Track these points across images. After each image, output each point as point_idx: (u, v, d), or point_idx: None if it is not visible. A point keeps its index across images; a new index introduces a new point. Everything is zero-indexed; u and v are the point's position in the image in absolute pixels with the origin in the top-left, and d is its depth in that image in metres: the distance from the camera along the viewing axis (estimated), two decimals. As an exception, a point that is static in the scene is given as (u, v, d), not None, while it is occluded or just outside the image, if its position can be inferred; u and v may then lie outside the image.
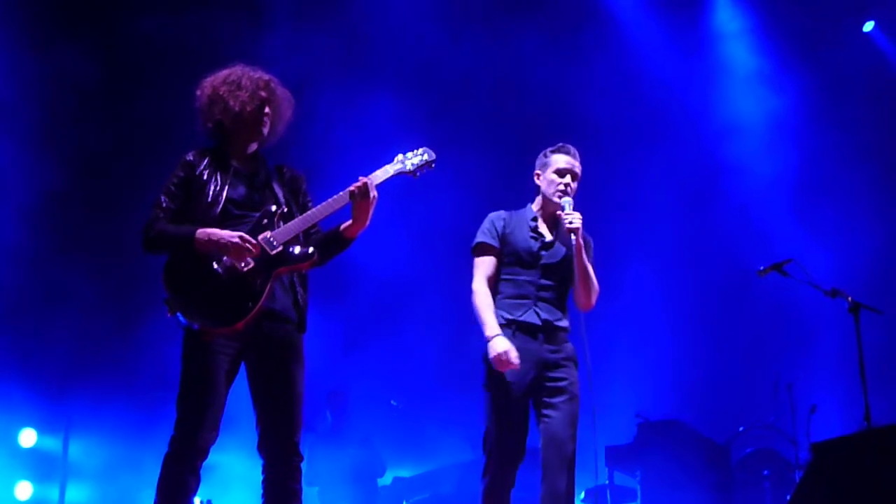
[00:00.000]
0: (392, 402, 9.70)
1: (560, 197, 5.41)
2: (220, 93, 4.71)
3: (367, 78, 10.54)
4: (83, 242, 9.68)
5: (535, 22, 10.65)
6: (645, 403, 9.25)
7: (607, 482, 8.54)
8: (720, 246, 10.69)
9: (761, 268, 6.90)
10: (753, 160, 10.91)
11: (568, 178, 5.45)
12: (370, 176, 4.71)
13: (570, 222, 5.26)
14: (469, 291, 5.39)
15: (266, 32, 9.97)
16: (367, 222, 4.68)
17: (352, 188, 4.63)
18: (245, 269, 4.44)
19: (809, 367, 9.80)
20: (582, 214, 5.35)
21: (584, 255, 5.34)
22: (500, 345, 5.14)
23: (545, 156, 5.56)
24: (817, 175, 10.65)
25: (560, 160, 5.49)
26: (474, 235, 5.53)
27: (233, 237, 4.44)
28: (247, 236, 4.47)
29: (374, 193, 4.63)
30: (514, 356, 5.12)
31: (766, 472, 8.55)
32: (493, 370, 5.21)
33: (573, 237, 5.25)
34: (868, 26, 10.73)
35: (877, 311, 6.69)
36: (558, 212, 5.39)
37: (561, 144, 5.57)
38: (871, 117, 10.56)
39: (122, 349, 9.64)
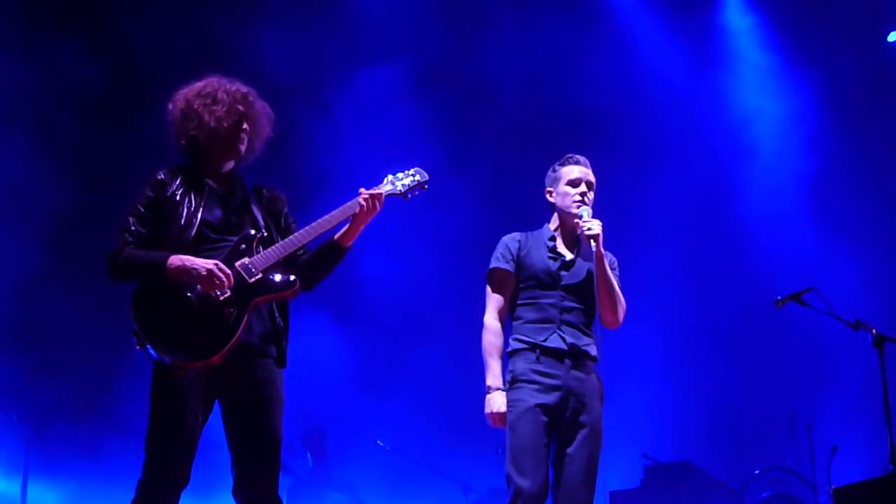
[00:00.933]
0: (378, 441, 9.60)
1: (578, 208, 5.33)
2: (195, 107, 4.61)
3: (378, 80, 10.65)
4: (75, 266, 9.53)
5: (551, 28, 10.74)
6: (652, 443, 9.20)
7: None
8: (734, 273, 10.66)
9: (779, 297, 6.85)
10: (768, 177, 10.92)
11: (583, 188, 5.38)
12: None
13: (589, 229, 5.18)
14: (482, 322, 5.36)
15: (274, 31, 10.04)
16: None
17: (362, 201, 4.61)
18: (220, 298, 4.34)
19: (830, 404, 9.79)
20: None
21: (607, 267, 5.26)
22: (498, 402, 5.16)
23: (554, 171, 5.50)
24: (836, 194, 10.65)
25: (572, 171, 5.43)
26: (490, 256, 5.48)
27: (207, 265, 4.35)
28: (222, 265, 4.38)
29: (380, 205, 4.66)
30: (506, 420, 5.12)
31: (784, 519, 8.49)
32: (516, 396, 5.14)
33: (593, 245, 5.16)
34: (893, 36, 10.75)
35: (904, 344, 6.63)
36: (575, 220, 5.31)
37: (569, 156, 5.51)
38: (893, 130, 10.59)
39: (98, 384, 9.51)
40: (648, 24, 11.21)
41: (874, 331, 6.52)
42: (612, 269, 5.38)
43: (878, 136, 10.56)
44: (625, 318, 5.41)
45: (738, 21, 11.41)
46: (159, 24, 9.75)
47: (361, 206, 4.61)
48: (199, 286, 4.35)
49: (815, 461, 8.53)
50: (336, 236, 4.68)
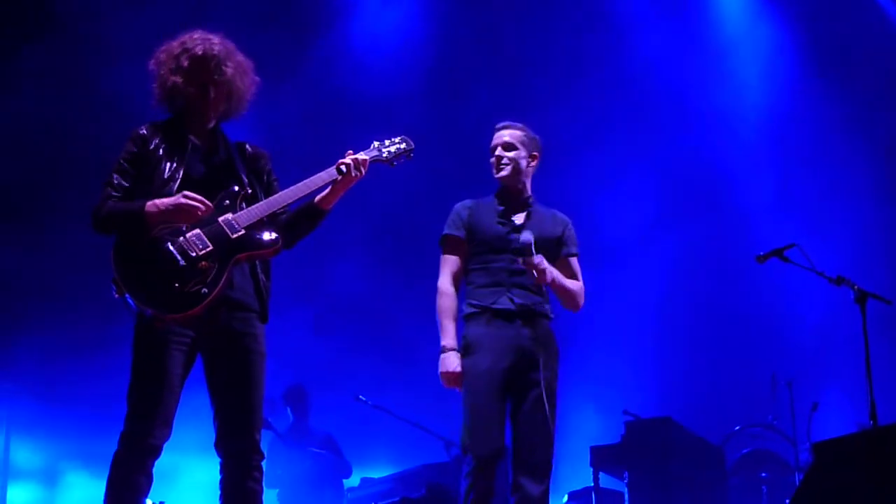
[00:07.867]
0: (360, 397, 9.69)
1: (497, 172, 5.61)
2: (161, 71, 4.69)
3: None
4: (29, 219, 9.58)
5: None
6: (633, 400, 9.27)
7: (592, 485, 8.56)
8: (714, 231, 10.73)
9: (761, 253, 6.91)
10: (749, 139, 10.96)
11: (499, 151, 5.62)
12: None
13: (534, 275, 5.29)
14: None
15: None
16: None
17: (343, 163, 4.66)
18: (202, 252, 4.39)
19: (811, 361, 9.88)
20: (559, 202, 5.46)
21: (564, 284, 5.46)
22: (452, 362, 5.37)
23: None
24: (817, 154, 10.73)
25: (493, 139, 5.69)
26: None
27: (176, 199, 4.41)
28: (190, 193, 4.42)
29: (364, 171, 4.71)
30: (460, 380, 5.33)
31: (763, 475, 8.62)
32: (471, 361, 5.34)
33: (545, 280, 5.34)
34: None
35: (885, 300, 6.70)
36: (519, 259, 5.34)
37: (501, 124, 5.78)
38: (874, 87, 10.64)
39: (70, 336, 9.54)
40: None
41: (856, 287, 6.57)
42: (571, 242, 5.61)
43: (869, 95, 10.65)
44: (590, 299, 5.62)
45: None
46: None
47: (342, 169, 4.66)
48: (181, 238, 4.39)
49: (795, 418, 8.62)
50: (317, 199, 4.75)
